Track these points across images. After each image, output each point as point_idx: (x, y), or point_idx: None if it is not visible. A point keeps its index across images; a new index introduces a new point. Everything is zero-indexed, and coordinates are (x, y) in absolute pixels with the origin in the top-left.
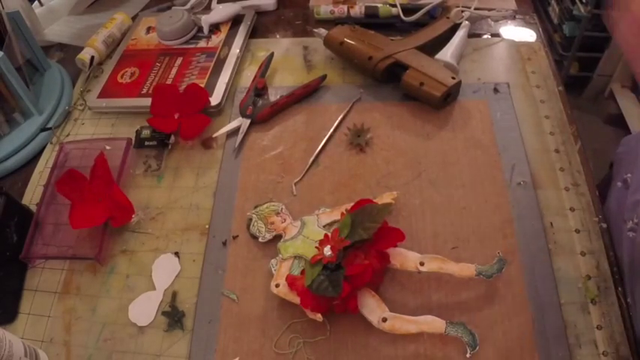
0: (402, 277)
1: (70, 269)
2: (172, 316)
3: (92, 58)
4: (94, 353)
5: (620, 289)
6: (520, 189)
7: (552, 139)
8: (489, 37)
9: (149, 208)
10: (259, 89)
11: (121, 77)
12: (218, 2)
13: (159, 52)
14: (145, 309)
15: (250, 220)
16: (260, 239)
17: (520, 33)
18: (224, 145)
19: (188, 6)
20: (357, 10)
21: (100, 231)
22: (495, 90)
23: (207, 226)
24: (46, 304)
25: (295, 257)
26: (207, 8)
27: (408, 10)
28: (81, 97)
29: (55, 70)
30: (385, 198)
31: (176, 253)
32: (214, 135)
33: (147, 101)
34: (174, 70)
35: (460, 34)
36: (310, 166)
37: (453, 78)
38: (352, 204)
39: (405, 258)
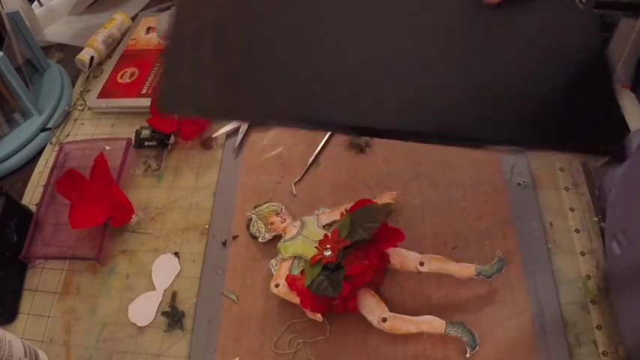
0: (402, 277)
1: (70, 269)
2: (172, 316)
3: (92, 58)
4: (94, 353)
5: None
6: (520, 189)
7: None
8: None
9: (149, 209)
10: None
11: (121, 77)
12: None
13: (159, 52)
14: (144, 309)
15: (250, 220)
16: (260, 239)
17: None
18: (224, 145)
19: None
20: None
21: (99, 231)
22: None
23: (207, 226)
24: (46, 305)
25: (295, 257)
26: None
27: None
28: (81, 98)
29: (54, 70)
30: (385, 198)
31: (176, 254)
32: (214, 135)
33: (147, 101)
34: None
35: None
36: (310, 166)
37: None
38: (352, 204)
39: (405, 258)
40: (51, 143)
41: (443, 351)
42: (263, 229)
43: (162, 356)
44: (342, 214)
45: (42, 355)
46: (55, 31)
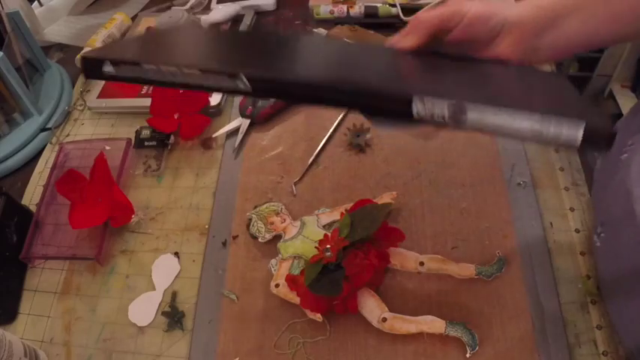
0: (402, 277)
1: (70, 269)
2: (172, 316)
3: None
4: (94, 353)
5: None
6: (520, 189)
7: None
8: None
9: (149, 209)
10: None
11: None
12: (218, 2)
13: None
14: (144, 309)
15: (250, 220)
16: (260, 239)
17: None
18: (224, 145)
19: (188, 6)
20: (357, 10)
21: (99, 231)
22: None
23: (207, 227)
24: (46, 305)
25: (295, 257)
26: (207, 8)
27: (407, 10)
28: (81, 98)
29: (54, 70)
30: (385, 198)
31: (176, 254)
32: (214, 135)
33: (146, 101)
34: None
35: None
36: (310, 166)
37: None
38: (352, 204)
39: (405, 258)
40: (51, 143)
41: (443, 351)
42: (263, 229)
43: (162, 356)
44: (342, 214)
45: (42, 355)
46: (55, 31)
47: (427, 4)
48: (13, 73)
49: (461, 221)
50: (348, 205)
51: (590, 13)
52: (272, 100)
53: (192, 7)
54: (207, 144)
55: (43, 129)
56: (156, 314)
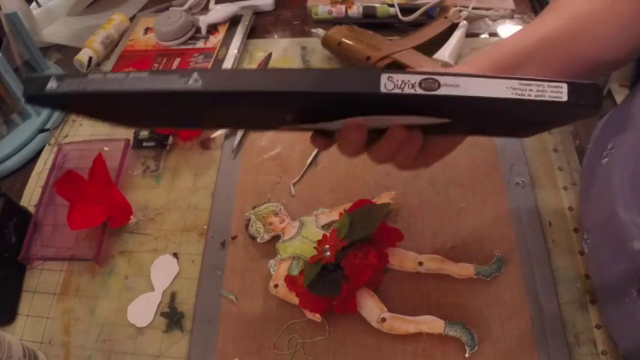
0: (401, 277)
1: (69, 270)
2: (171, 316)
3: (90, 59)
4: (93, 354)
5: None
6: (519, 188)
7: (551, 138)
8: (487, 36)
9: (148, 209)
10: None
11: None
12: (216, 3)
13: (157, 52)
14: (143, 310)
15: (249, 220)
16: (259, 240)
17: None
18: (222, 145)
19: (186, 6)
20: (355, 10)
21: (98, 232)
22: None
23: (205, 227)
24: (45, 306)
25: (294, 258)
26: (205, 9)
27: (405, 10)
28: None
29: (53, 71)
30: (384, 198)
31: (175, 254)
32: (212, 135)
33: None
34: None
35: (458, 34)
36: (309, 166)
37: None
38: (351, 204)
39: (404, 258)
40: (49, 144)
41: (442, 351)
42: (262, 230)
43: (162, 357)
44: (340, 214)
45: (41, 356)
46: (54, 32)
47: (425, 4)
48: (11, 74)
49: (460, 221)
50: (347, 206)
51: (544, 63)
52: None
53: (190, 8)
54: (205, 144)
55: (42, 130)
56: (155, 315)
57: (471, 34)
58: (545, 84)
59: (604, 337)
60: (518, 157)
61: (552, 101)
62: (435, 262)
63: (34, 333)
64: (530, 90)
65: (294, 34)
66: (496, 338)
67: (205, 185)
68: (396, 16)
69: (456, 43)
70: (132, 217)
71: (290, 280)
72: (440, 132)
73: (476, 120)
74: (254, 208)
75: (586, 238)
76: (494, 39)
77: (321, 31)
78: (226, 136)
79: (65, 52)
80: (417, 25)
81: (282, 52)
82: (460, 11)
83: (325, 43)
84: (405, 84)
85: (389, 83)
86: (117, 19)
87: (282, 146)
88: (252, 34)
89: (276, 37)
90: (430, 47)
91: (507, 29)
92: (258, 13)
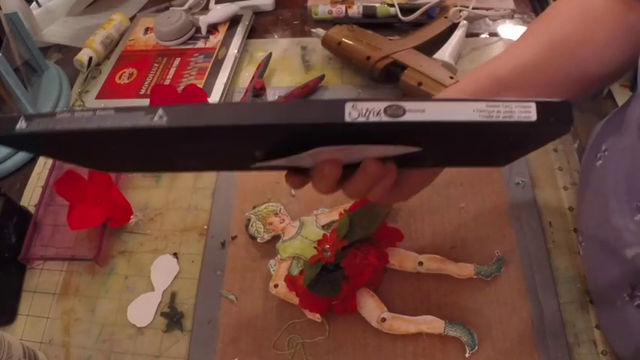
0: (401, 277)
1: (69, 270)
2: (171, 316)
3: (90, 59)
4: (93, 354)
5: None
6: (519, 188)
7: None
8: (487, 36)
9: (148, 209)
10: (257, 90)
11: (119, 78)
12: (216, 3)
13: (157, 52)
14: (143, 310)
15: (249, 220)
16: (259, 240)
17: (518, 32)
18: None
19: (186, 6)
20: (355, 10)
21: (98, 232)
22: None
23: (205, 227)
24: (45, 306)
25: (294, 258)
26: (205, 9)
27: (406, 10)
28: (79, 98)
29: (53, 71)
30: None
31: (175, 254)
32: None
33: (145, 102)
34: (172, 71)
35: (458, 34)
36: None
37: (452, 78)
38: (351, 204)
39: (404, 258)
40: None
41: (442, 351)
42: (262, 230)
43: (162, 357)
44: (340, 214)
45: (41, 356)
46: (54, 32)
47: (425, 4)
48: (11, 74)
49: (460, 221)
50: (347, 205)
51: (523, 90)
52: (271, 100)
53: (190, 8)
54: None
55: None
56: (155, 315)
57: (471, 34)
58: (513, 104)
59: (604, 337)
60: None
61: (521, 122)
62: (435, 262)
63: (34, 333)
64: (497, 112)
65: (294, 34)
66: (496, 338)
67: (205, 185)
68: (396, 16)
69: (456, 43)
70: (132, 217)
71: (290, 280)
72: (415, 165)
73: (447, 148)
74: (254, 208)
75: (581, 240)
76: (495, 39)
77: (321, 31)
78: None
79: (65, 52)
80: (417, 25)
81: (282, 52)
82: (460, 11)
83: (325, 43)
84: (370, 112)
85: (353, 112)
86: (117, 19)
87: None
88: (252, 34)
89: (276, 37)
90: (430, 47)
91: (507, 29)
92: (258, 13)
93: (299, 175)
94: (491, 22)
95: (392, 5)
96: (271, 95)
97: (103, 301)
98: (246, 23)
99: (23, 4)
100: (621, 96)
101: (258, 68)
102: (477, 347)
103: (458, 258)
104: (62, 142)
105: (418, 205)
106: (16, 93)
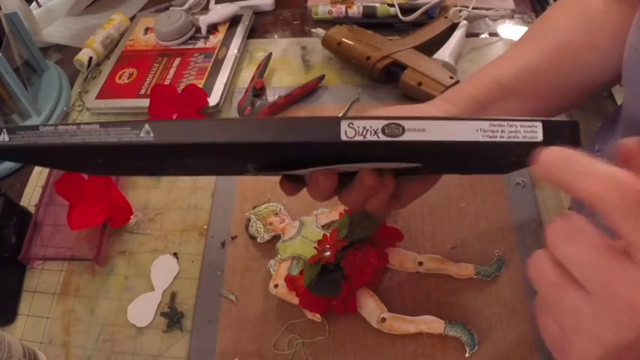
0: (401, 277)
1: (69, 270)
2: (171, 316)
3: (90, 59)
4: (93, 354)
5: None
6: (519, 188)
7: None
8: (487, 36)
9: (148, 209)
10: (257, 90)
11: (119, 78)
12: (216, 3)
13: (157, 52)
14: (143, 310)
15: (249, 220)
16: (259, 240)
17: (518, 32)
18: None
19: (186, 6)
20: (355, 10)
21: (98, 232)
22: None
23: (205, 227)
24: (45, 306)
25: (294, 258)
26: (205, 9)
27: (406, 10)
28: (79, 98)
29: (53, 71)
30: None
31: (175, 254)
32: None
33: (145, 102)
34: (172, 71)
35: (458, 34)
36: None
37: (452, 78)
38: None
39: (404, 258)
40: None
41: (442, 351)
42: (262, 230)
43: (162, 357)
44: (340, 214)
45: (41, 356)
46: (54, 32)
47: (425, 4)
48: (11, 74)
49: (460, 221)
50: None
51: (525, 94)
52: (270, 100)
53: (190, 8)
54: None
55: None
56: (155, 315)
57: (471, 34)
58: (518, 124)
59: None
60: None
61: (527, 142)
62: (435, 262)
63: (34, 333)
64: (502, 132)
65: (294, 34)
66: (496, 338)
67: (205, 185)
68: (396, 16)
69: (456, 43)
70: (132, 217)
71: (290, 280)
72: (413, 174)
73: (448, 162)
74: (254, 208)
75: None
76: (495, 39)
77: (321, 31)
78: None
79: (65, 52)
80: (417, 25)
81: (282, 52)
82: (460, 11)
83: (325, 43)
84: (367, 130)
85: (349, 130)
86: (117, 19)
87: None
88: (252, 34)
89: (276, 37)
90: (430, 47)
91: (507, 29)
92: (258, 13)
93: (293, 183)
94: (491, 22)
95: (392, 5)
96: (271, 95)
97: (103, 301)
98: (246, 23)
99: (23, 4)
100: (621, 96)
101: (258, 68)
102: (476, 347)
103: (458, 258)
104: (47, 155)
105: (418, 205)
106: (16, 93)
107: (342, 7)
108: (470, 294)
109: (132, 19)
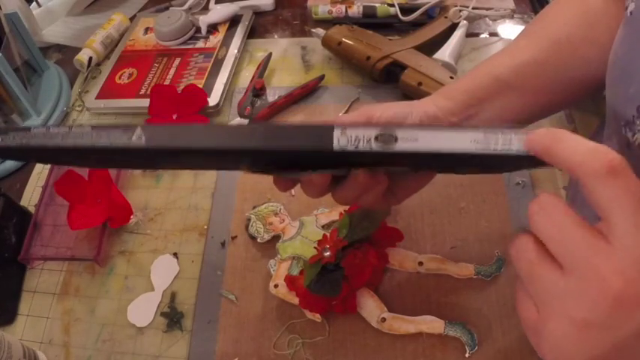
0: (401, 277)
1: (69, 270)
2: (171, 316)
3: (90, 59)
4: (93, 354)
5: None
6: (518, 188)
7: None
8: (487, 36)
9: (148, 209)
10: (257, 90)
11: (119, 78)
12: (216, 3)
13: (157, 52)
14: (143, 310)
15: (249, 220)
16: (259, 240)
17: (518, 32)
18: None
19: (186, 6)
20: (355, 10)
21: (98, 232)
22: None
23: (205, 227)
24: (45, 306)
25: (294, 258)
26: (205, 9)
27: (406, 10)
28: (79, 98)
29: (53, 71)
30: None
31: (175, 254)
32: None
33: (145, 102)
34: (172, 71)
35: (458, 34)
36: None
37: (452, 77)
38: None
39: (404, 258)
40: None
41: (442, 351)
42: (262, 230)
43: (162, 357)
44: (340, 214)
45: (41, 356)
46: (54, 32)
47: (426, 4)
48: (11, 74)
49: (460, 221)
50: (347, 206)
51: (523, 88)
52: (270, 100)
53: (190, 8)
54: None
55: None
56: (155, 315)
57: (471, 34)
58: (512, 134)
59: None
60: None
61: (521, 155)
62: (435, 262)
63: (34, 333)
64: (496, 142)
65: (294, 34)
66: (496, 338)
67: (205, 185)
68: (396, 15)
69: (456, 42)
70: (132, 217)
71: (290, 280)
72: (407, 172)
73: (441, 166)
74: (254, 208)
75: None
76: (495, 39)
77: (321, 31)
78: None
79: (65, 52)
80: (417, 24)
81: (282, 52)
82: (460, 11)
83: (325, 43)
84: (360, 140)
85: (342, 139)
86: (117, 19)
87: None
88: (252, 34)
89: (276, 37)
90: (430, 47)
91: (507, 29)
92: (258, 13)
93: (287, 180)
94: (491, 22)
95: (392, 5)
96: (271, 95)
97: (103, 301)
98: (246, 23)
99: (23, 4)
100: None
101: (258, 68)
102: (476, 347)
103: (458, 258)
104: (40, 153)
105: (418, 205)
106: (16, 93)
107: (342, 7)
108: (470, 294)
109: (132, 19)
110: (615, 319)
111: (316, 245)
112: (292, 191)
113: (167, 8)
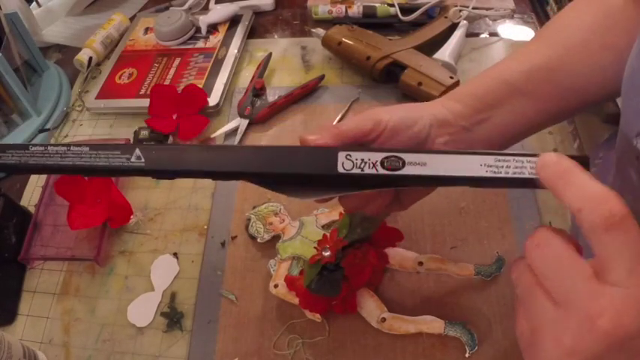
0: (401, 277)
1: (69, 270)
2: (171, 316)
3: (90, 59)
4: (93, 354)
5: None
6: (519, 188)
7: (551, 138)
8: (487, 36)
9: (148, 209)
10: (257, 89)
11: (119, 78)
12: (216, 3)
13: (157, 52)
14: (143, 310)
15: (249, 220)
16: (259, 240)
17: (518, 32)
18: None
19: (186, 6)
20: (355, 10)
21: (98, 232)
22: None
23: (205, 227)
24: (45, 306)
25: (294, 258)
26: (205, 9)
27: (406, 10)
28: (79, 98)
29: (53, 71)
30: None
31: (175, 254)
32: (212, 135)
33: (145, 102)
34: (172, 71)
35: (458, 34)
36: None
37: (452, 77)
38: None
39: (404, 258)
40: None
41: (442, 351)
42: (262, 230)
43: (162, 357)
44: (340, 214)
45: (41, 356)
46: (54, 32)
47: (425, 4)
48: (11, 74)
49: (460, 221)
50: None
51: (534, 94)
52: (270, 100)
53: (190, 8)
54: (206, 144)
55: (42, 130)
56: (155, 315)
57: (471, 34)
58: (525, 159)
59: None
60: None
61: (533, 179)
62: (434, 262)
63: (34, 333)
64: (507, 167)
65: (294, 34)
66: (496, 338)
67: (205, 185)
68: (396, 15)
69: (456, 42)
70: (132, 217)
71: (290, 280)
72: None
73: (449, 184)
74: (254, 208)
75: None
76: (495, 39)
77: (321, 31)
78: (226, 136)
79: (65, 52)
80: (417, 24)
81: (282, 52)
82: (460, 11)
83: (325, 43)
84: (365, 163)
85: (347, 162)
86: (117, 19)
87: None
88: (252, 34)
89: (276, 37)
90: (430, 47)
91: (507, 29)
92: (258, 13)
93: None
94: (491, 22)
95: (392, 5)
96: (271, 95)
97: (103, 301)
98: (246, 23)
99: (23, 4)
100: None
101: (258, 68)
102: (476, 347)
103: (458, 258)
104: (39, 170)
105: (418, 205)
106: (16, 93)
107: (342, 7)
108: (470, 294)
109: (132, 19)
110: (602, 357)
111: (316, 245)
112: None
113: (167, 8)
